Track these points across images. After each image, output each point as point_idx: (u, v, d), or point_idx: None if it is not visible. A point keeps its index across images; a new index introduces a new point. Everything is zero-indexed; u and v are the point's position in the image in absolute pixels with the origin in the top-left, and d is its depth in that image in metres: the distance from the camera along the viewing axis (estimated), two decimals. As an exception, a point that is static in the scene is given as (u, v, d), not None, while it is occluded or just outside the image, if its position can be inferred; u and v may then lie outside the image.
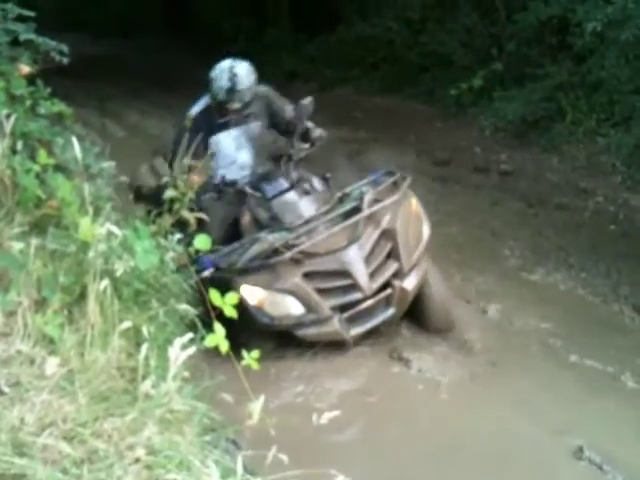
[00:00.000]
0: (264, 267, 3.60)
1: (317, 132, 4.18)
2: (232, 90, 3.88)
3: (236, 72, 3.91)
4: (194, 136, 3.88)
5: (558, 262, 5.12)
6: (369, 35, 11.34)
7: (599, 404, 3.49)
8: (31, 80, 3.51)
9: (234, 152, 4.19)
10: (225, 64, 3.95)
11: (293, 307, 3.65)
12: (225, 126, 4.12)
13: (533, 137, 7.83)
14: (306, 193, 3.98)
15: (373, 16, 11.51)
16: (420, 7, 10.67)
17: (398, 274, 3.81)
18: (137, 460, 1.96)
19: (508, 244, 5.47)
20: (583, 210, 6.09)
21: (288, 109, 4.26)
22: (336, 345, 3.84)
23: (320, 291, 3.66)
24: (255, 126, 4.20)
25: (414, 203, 4.00)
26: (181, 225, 3.05)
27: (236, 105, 3.93)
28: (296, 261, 3.62)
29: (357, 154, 7.66)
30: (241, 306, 2.46)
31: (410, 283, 3.83)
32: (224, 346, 2.23)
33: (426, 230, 4.00)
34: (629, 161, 6.65)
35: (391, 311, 3.84)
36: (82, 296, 2.41)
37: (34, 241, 2.44)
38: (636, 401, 3.53)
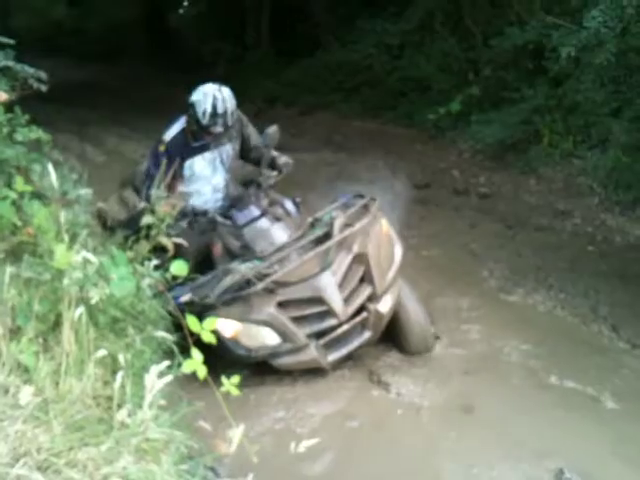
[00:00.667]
0: (237, 299, 3.58)
1: (282, 159, 4.20)
2: (216, 114, 3.86)
3: (219, 96, 3.89)
4: (169, 161, 3.90)
5: (537, 283, 5.15)
6: (349, 60, 11.46)
7: (579, 425, 3.49)
8: (9, 107, 3.50)
9: (209, 175, 4.18)
10: (208, 88, 3.93)
11: (269, 338, 3.63)
12: (200, 149, 4.11)
13: (511, 159, 7.92)
14: (277, 219, 3.98)
15: (352, 42, 11.63)
16: (399, 33, 10.80)
17: (372, 297, 3.81)
18: (113, 490, 1.93)
19: (488, 265, 5.50)
20: (561, 231, 6.15)
21: (256, 137, 4.29)
22: (314, 370, 3.82)
23: (295, 319, 3.65)
24: (229, 148, 4.20)
25: (384, 225, 4.00)
26: (158, 251, 3.03)
27: (219, 129, 3.91)
28: (269, 291, 3.61)
29: (338, 177, 7.70)
30: (217, 337, 2.44)
31: (385, 306, 3.84)
32: (202, 372, 2.21)
33: (398, 251, 4.01)
34: (606, 182, 6.74)
35: (367, 335, 3.83)
36: (57, 324, 2.39)
37: (9, 269, 2.42)
38: (616, 421, 3.53)
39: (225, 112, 3.89)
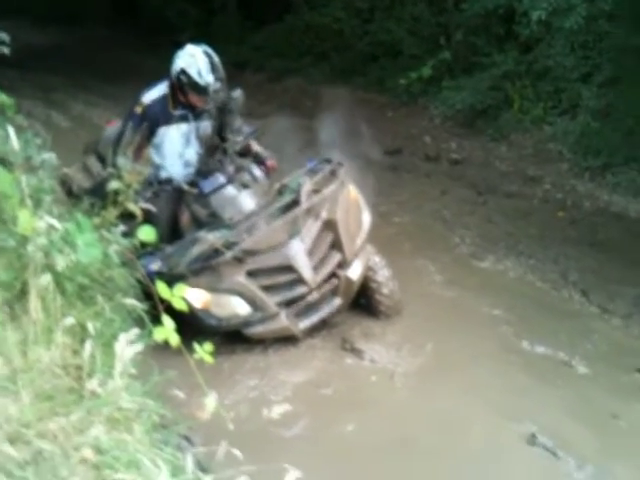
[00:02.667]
0: (206, 268, 3.53)
1: (257, 172, 4.09)
2: (212, 70, 3.74)
3: (209, 52, 3.79)
4: (142, 124, 3.79)
5: (508, 249, 5.19)
6: (318, 24, 11.30)
7: (551, 390, 3.53)
8: (-32, 71, 3.38)
9: (181, 147, 4.03)
10: (192, 49, 3.80)
11: (239, 307, 3.60)
12: (178, 119, 3.96)
13: (482, 126, 7.93)
14: (244, 186, 3.91)
15: (322, 5, 11.46)
16: (368, -4, 10.67)
17: (342, 264, 3.80)
18: (84, 460, 1.89)
19: (459, 232, 5.52)
20: (532, 197, 6.19)
21: (238, 125, 4.12)
22: (286, 338, 3.81)
23: (265, 288, 3.62)
24: (207, 125, 4.02)
25: (352, 191, 3.95)
26: (126, 219, 2.95)
27: (217, 85, 3.75)
28: (238, 260, 3.56)
29: (307, 143, 7.61)
30: (188, 306, 2.39)
31: (354, 272, 3.82)
32: (174, 339, 2.16)
33: (366, 218, 3.99)
34: (576, 148, 6.78)
35: (338, 301, 3.83)
36: (23, 292, 2.31)
37: (-29, 236, 2.34)
38: (587, 386, 3.58)
39: (217, 66, 3.78)
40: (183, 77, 3.78)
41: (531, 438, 3.15)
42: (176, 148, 4.02)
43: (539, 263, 4.96)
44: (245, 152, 4.15)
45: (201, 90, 3.78)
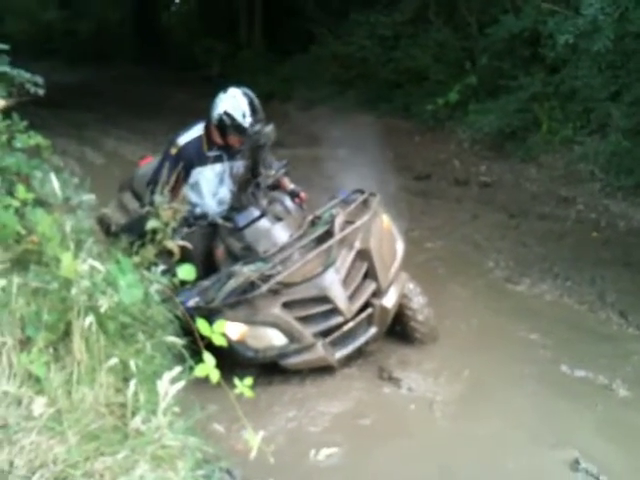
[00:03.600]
0: (242, 301, 3.57)
1: (290, 204, 4.14)
2: (255, 112, 3.84)
3: (251, 94, 3.90)
4: (177, 164, 3.89)
5: (543, 272, 5.14)
6: (343, 53, 11.43)
7: (592, 414, 3.48)
8: (6, 113, 3.48)
9: (215, 187, 4.13)
10: (234, 92, 3.90)
11: (275, 338, 3.62)
12: (212, 160, 4.06)
13: (510, 148, 7.91)
14: (278, 219, 3.95)
15: (346, 34, 11.58)
16: (392, 24, 10.76)
17: (377, 293, 3.81)
18: (131, 500, 1.92)
19: (492, 256, 5.49)
20: (564, 219, 6.14)
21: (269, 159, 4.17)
22: (323, 368, 3.81)
23: (301, 319, 3.64)
24: (240, 165, 4.05)
25: (385, 220, 3.99)
26: (164, 256, 3.01)
27: (259, 127, 3.80)
28: (274, 292, 3.59)
29: (337, 172, 7.66)
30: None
31: (389, 300, 3.83)
32: (215, 376, 2.19)
33: (400, 246, 4.00)
34: (607, 168, 6.73)
35: (373, 330, 3.83)
36: (67, 333, 2.36)
37: (16, 279, 2.40)
38: (628, 409, 3.52)
39: (259, 109, 3.88)
40: (226, 119, 3.87)
41: (574, 464, 3.10)
42: (210, 187, 4.11)
43: (575, 285, 4.92)
44: (276, 186, 4.21)
45: (242, 131, 3.86)
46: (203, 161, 4.03)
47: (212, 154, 4.04)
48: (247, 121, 3.84)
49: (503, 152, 7.94)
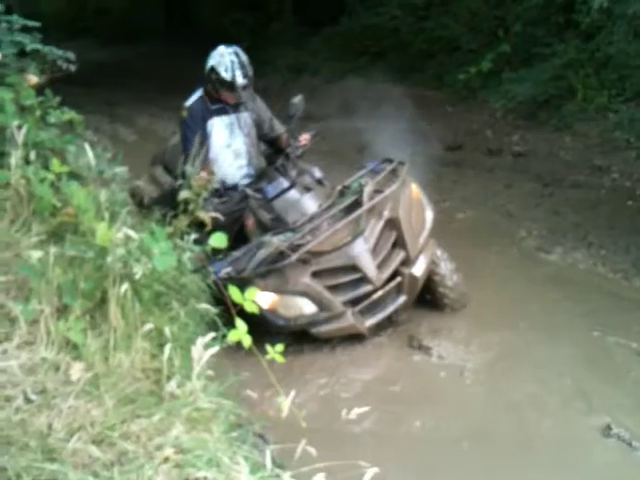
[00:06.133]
0: (273, 271, 3.61)
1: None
2: (236, 66, 3.97)
3: (234, 50, 4.03)
4: (193, 126, 4.04)
5: (576, 241, 5.10)
6: (374, 24, 11.31)
7: (624, 381, 3.47)
8: (40, 90, 3.54)
9: (228, 138, 4.23)
10: (221, 49, 4.06)
11: (306, 307, 3.66)
12: (218, 112, 4.19)
13: (544, 117, 7.79)
14: (307, 189, 3.98)
15: (377, 5, 11.46)
16: (424, -8, 10.64)
17: (406, 262, 3.83)
18: (166, 460, 1.97)
19: (525, 225, 5.45)
20: (599, 187, 6.04)
21: (268, 116, 4.36)
22: (353, 337, 3.86)
23: (330, 288, 3.68)
24: (246, 116, 4.26)
25: (414, 189, 4.00)
26: (196, 226, 3.06)
27: (243, 80, 3.98)
28: (304, 261, 3.63)
29: (368, 144, 7.64)
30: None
31: (418, 269, 3.85)
32: (247, 341, 2.23)
33: (429, 215, 4.01)
34: (643, 135, 6.59)
35: (402, 299, 3.86)
36: (103, 301, 2.42)
37: (52, 249, 2.46)
38: (662, 376, 3.50)
39: (243, 63, 4.00)
40: (212, 74, 4.03)
41: (606, 429, 3.12)
42: (223, 139, 4.22)
43: (609, 253, 4.86)
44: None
45: (228, 86, 4.01)
46: (210, 114, 4.18)
47: (215, 107, 4.18)
48: (229, 75, 3.97)
49: (537, 121, 7.82)
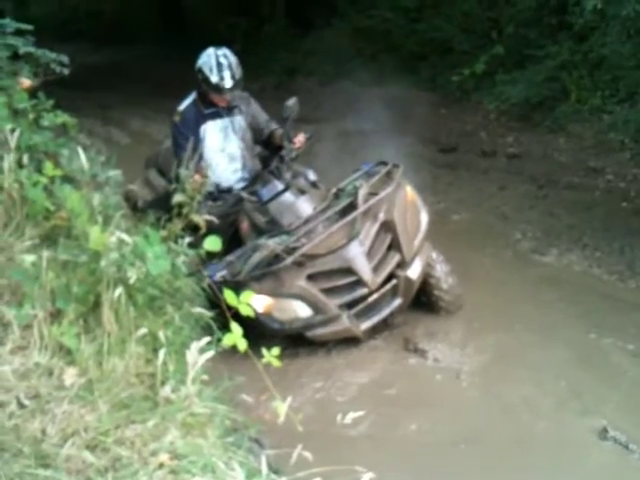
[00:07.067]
0: (268, 274, 3.60)
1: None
2: (222, 67, 3.96)
3: (221, 52, 4.02)
4: (184, 131, 4.03)
5: (571, 242, 5.09)
6: (365, 26, 11.29)
7: (620, 383, 3.47)
8: (33, 93, 3.52)
9: (222, 142, 4.22)
10: (209, 50, 4.05)
11: (301, 310, 3.66)
12: (211, 116, 4.17)
13: (538, 118, 7.79)
14: (302, 192, 3.97)
15: (368, 7, 11.45)
16: (416, -5, 10.63)
17: (401, 264, 3.82)
18: (161, 465, 1.95)
19: (519, 227, 5.45)
20: (593, 189, 6.05)
21: (262, 113, 4.36)
22: (349, 340, 3.85)
23: (326, 291, 3.67)
24: (240, 119, 4.25)
25: (409, 191, 3.99)
26: (191, 229, 3.04)
27: (229, 82, 3.97)
28: (299, 264, 3.62)
29: (362, 147, 7.64)
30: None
31: (414, 272, 3.85)
32: (242, 345, 2.21)
33: (424, 217, 4.00)
34: (637, 137, 6.60)
35: (398, 301, 3.85)
36: (97, 305, 2.40)
37: (45, 253, 2.44)
38: (658, 377, 3.50)
39: (230, 64, 3.99)
40: (200, 75, 4.02)
41: (602, 432, 3.11)
42: (217, 143, 4.21)
43: (604, 255, 4.86)
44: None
45: (215, 87, 4.00)
46: (204, 118, 4.16)
47: (209, 111, 4.17)
48: (216, 76, 3.96)
49: (531, 123, 7.82)
